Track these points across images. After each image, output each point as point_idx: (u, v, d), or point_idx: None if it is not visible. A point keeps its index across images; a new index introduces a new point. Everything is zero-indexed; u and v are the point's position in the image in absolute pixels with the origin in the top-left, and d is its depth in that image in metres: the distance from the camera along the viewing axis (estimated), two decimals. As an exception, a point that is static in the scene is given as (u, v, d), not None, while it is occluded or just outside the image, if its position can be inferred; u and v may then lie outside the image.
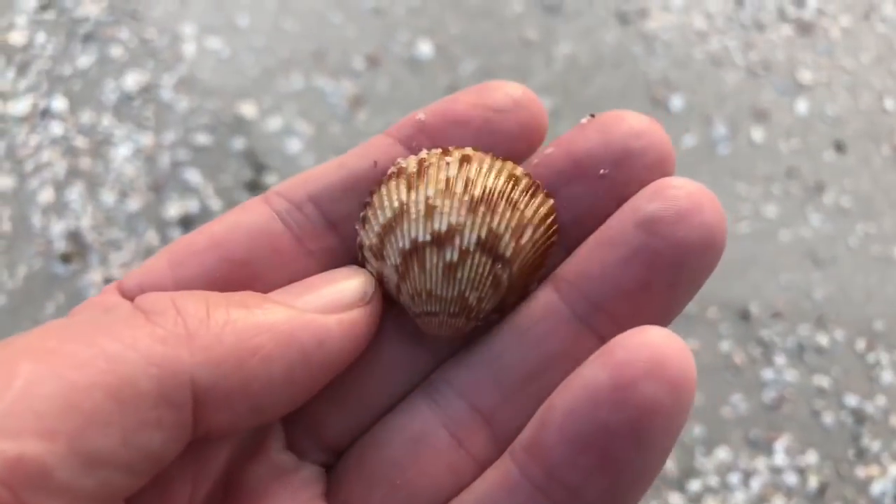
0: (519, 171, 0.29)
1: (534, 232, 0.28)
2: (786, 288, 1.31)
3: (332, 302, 0.26)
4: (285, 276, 0.28)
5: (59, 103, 1.58)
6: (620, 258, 0.25)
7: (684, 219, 0.25)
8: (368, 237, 0.30)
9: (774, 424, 1.21)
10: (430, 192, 0.29)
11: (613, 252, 0.26)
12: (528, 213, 0.28)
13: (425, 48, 1.57)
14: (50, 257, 1.41)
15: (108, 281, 1.39)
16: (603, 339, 0.25)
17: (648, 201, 0.26)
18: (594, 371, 0.22)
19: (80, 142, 1.52)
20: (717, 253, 0.25)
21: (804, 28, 1.53)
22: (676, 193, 0.25)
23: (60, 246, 1.42)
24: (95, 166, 1.50)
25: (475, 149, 0.30)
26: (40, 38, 1.68)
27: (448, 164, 0.29)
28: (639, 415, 0.21)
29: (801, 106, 1.47)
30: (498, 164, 0.29)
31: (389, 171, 0.30)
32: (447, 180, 0.29)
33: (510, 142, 0.30)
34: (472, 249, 0.28)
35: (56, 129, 1.55)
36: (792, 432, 1.21)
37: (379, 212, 0.29)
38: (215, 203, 1.43)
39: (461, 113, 0.30)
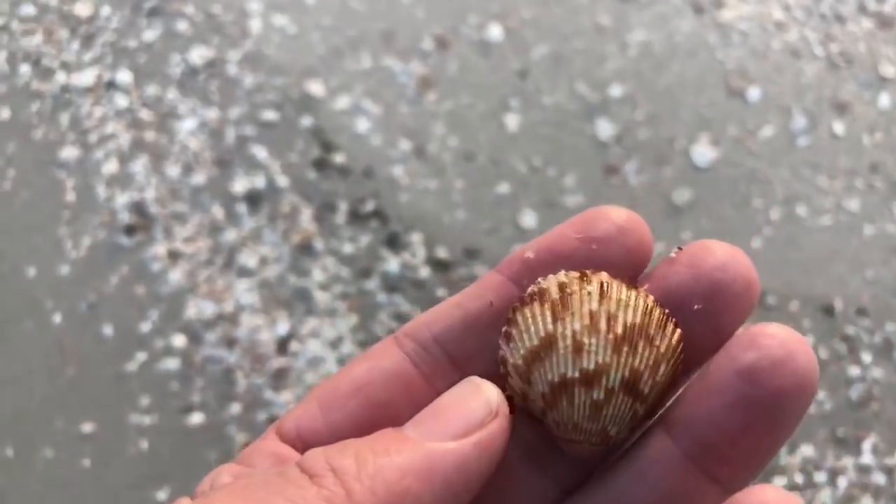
0: (650, 300, 0.32)
1: (666, 365, 0.31)
2: (871, 283, 1.28)
3: (464, 425, 0.28)
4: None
5: (124, 76, 1.57)
6: (724, 405, 0.28)
7: (779, 368, 0.27)
8: (514, 357, 0.32)
9: (861, 423, 1.17)
10: (577, 327, 0.31)
11: (717, 399, 0.28)
12: (662, 347, 0.31)
13: (495, 31, 1.55)
14: (114, 228, 1.40)
15: (172, 254, 1.37)
16: (713, 479, 0.29)
17: (744, 350, 0.28)
18: None
19: (145, 114, 1.51)
20: (810, 395, 0.28)
21: (885, 22, 1.50)
22: (770, 343, 0.28)
23: (124, 218, 1.41)
24: (160, 139, 1.49)
25: (611, 263, 0.33)
26: (105, 10, 1.67)
27: (590, 294, 0.31)
28: None
29: (884, 100, 1.43)
30: (633, 293, 0.32)
31: (530, 291, 0.33)
32: (591, 315, 0.31)
33: (617, 269, 0.32)
34: (616, 389, 0.30)
35: (120, 101, 1.54)
36: (879, 431, 1.17)
37: (525, 335, 0.32)
38: (282, 179, 1.41)
39: (568, 247, 0.33)
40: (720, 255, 0.30)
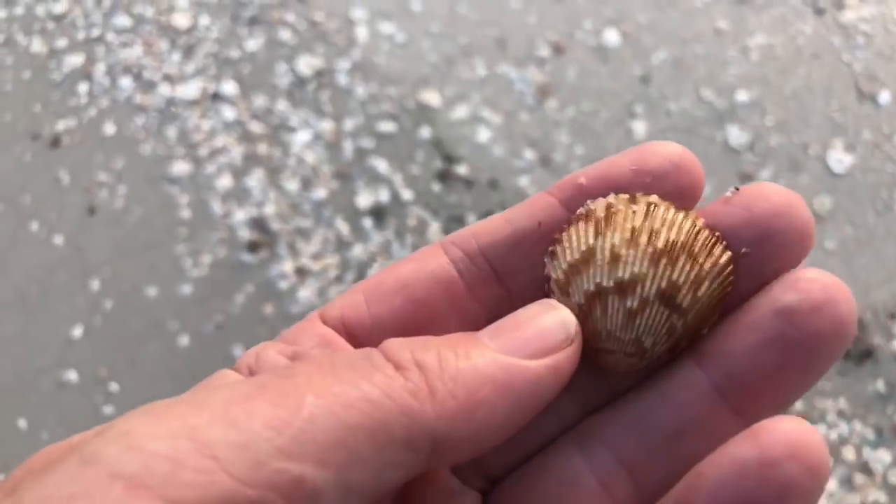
0: (700, 222, 0.31)
1: (710, 283, 0.31)
2: None
3: (541, 346, 0.28)
4: (458, 318, 0.32)
5: (229, 87, 1.54)
6: (759, 342, 0.29)
7: (819, 311, 0.28)
8: (556, 272, 0.32)
9: None
10: (616, 241, 0.31)
11: (753, 336, 0.29)
12: (707, 265, 0.30)
13: (612, 36, 1.52)
14: (235, 246, 1.36)
15: (299, 271, 1.34)
16: (737, 412, 0.29)
17: (786, 291, 0.28)
18: (742, 449, 0.25)
19: (255, 127, 1.48)
20: (846, 342, 0.28)
21: None
22: (812, 287, 0.28)
23: (244, 234, 1.37)
24: (273, 152, 1.45)
25: (661, 197, 0.32)
26: (204, 20, 1.64)
27: (634, 213, 0.31)
28: (781, 490, 0.24)
29: None
30: (681, 215, 0.31)
31: (578, 212, 0.33)
32: (632, 230, 0.31)
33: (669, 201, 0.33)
34: (651, 299, 0.30)
35: (228, 113, 1.51)
36: None
37: (567, 251, 0.32)
38: (406, 193, 1.38)
39: (622, 176, 0.32)
40: (777, 200, 0.29)
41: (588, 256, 0.31)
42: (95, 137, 1.51)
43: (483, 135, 1.44)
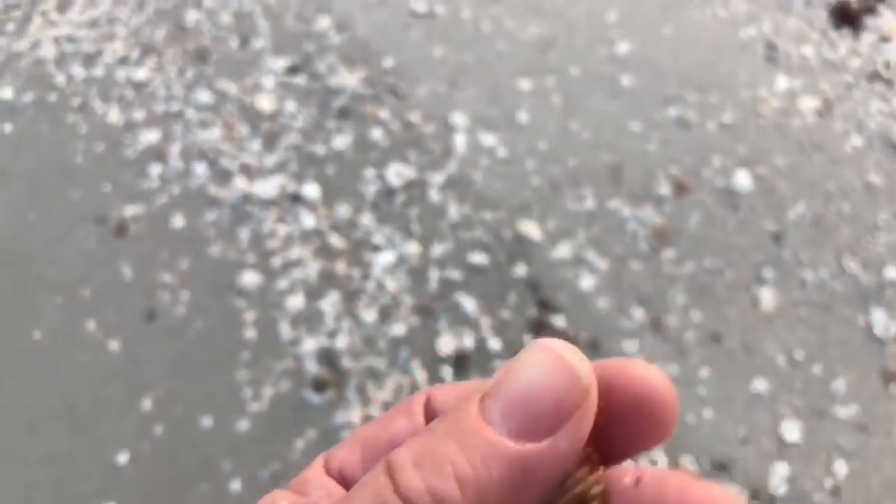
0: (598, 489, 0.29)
1: None
2: None
3: (556, 415, 0.27)
4: None
5: (311, 190, 1.43)
6: None
7: None
8: None
9: None
10: None
11: None
12: None
13: (743, 179, 1.35)
14: (300, 380, 1.25)
15: (367, 419, 1.21)
16: None
17: None
18: None
19: (335, 240, 1.37)
20: None
21: None
22: None
23: (312, 367, 1.26)
24: (352, 272, 1.33)
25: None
26: (289, 106, 1.53)
27: None
28: None
29: None
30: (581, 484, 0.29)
31: None
32: None
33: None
34: None
35: (307, 220, 1.40)
36: None
37: None
38: (494, 342, 1.25)
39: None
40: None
41: None
42: (163, 230, 1.42)
43: (586, 282, 1.30)
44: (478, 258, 1.34)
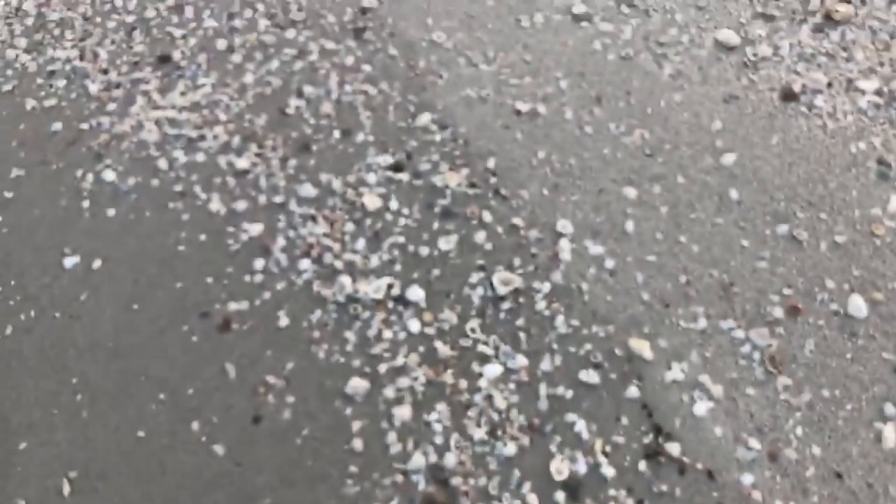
0: None
1: None
2: None
3: None
4: None
5: (416, 292, 1.43)
6: None
7: None
8: None
9: None
10: None
11: None
12: None
13: (859, 305, 1.33)
14: (409, 499, 1.23)
15: (478, 545, 1.20)
16: None
17: None
18: None
19: (441, 348, 1.36)
20: None
21: None
22: None
23: (420, 484, 1.25)
24: (459, 384, 1.33)
25: None
26: (393, 203, 1.53)
27: None
28: None
29: None
30: None
31: None
32: None
33: None
34: None
35: (413, 324, 1.39)
36: None
37: None
38: (608, 468, 1.23)
39: None
40: None
41: None
42: (268, 328, 1.41)
43: (701, 407, 1.28)
44: (588, 376, 1.33)
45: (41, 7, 1.97)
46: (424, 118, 1.67)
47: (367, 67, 1.77)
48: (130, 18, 1.93)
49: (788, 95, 1.62)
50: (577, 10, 1.83)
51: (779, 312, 1.37)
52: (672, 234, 1.47)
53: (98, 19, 1.93)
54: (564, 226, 1.49)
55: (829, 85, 1.65)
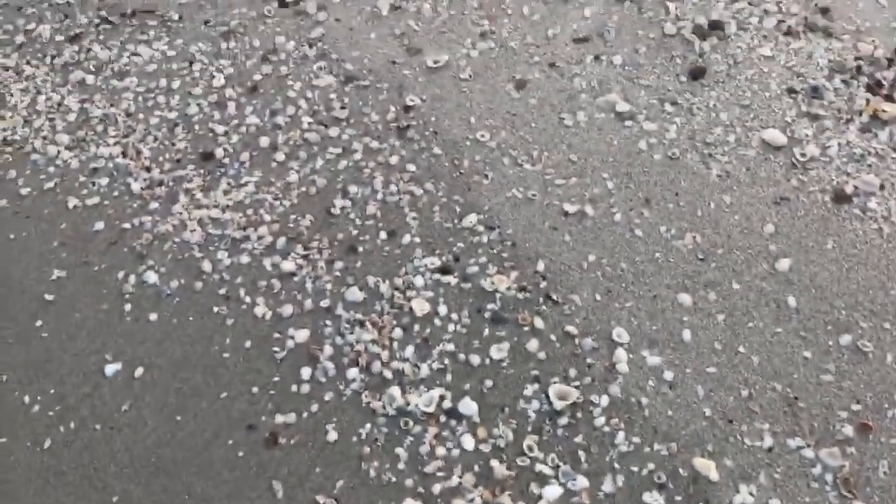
0: None
1: None
2: None
3: None
4: None
5: (469, 406, 1.39)
6: None
7: None
8: None
9: None
10: None
11: None
12: None
13: (932, 422, 1.28)
14: None
15: None
16: None
17: None
18: None
19: (498, 467, 1.31)
20: None
21: None
22: None
23: None
24: (518, 506, 1.27)
25: None
26: (442, 309, 1.51)
27: None
28: None
29: None
30: None
31: None
32: None
33: None
34: None
35: (467, 441, 1.35)
36: None
37: None
38: None
39: None
40: None
41: None
42: (316, 442, 1.37)
43: (774, 535, 1.22)
44: (654, 498, 1.27)
45: (84, 103, 1.99)
46: (471, 219, 1.66)
47: (411, 167, 1.78)
48: (173, 115, 1.94)
49: (841, 198, 1.61)
50: (620, 109, 1.84)
51: (849, 430, 1.32)
52: (731, 344, 1.43)
53: (141, 115, 1.95)
54: (620, 334, 1.45)
55: (882, 187, 1.64)
